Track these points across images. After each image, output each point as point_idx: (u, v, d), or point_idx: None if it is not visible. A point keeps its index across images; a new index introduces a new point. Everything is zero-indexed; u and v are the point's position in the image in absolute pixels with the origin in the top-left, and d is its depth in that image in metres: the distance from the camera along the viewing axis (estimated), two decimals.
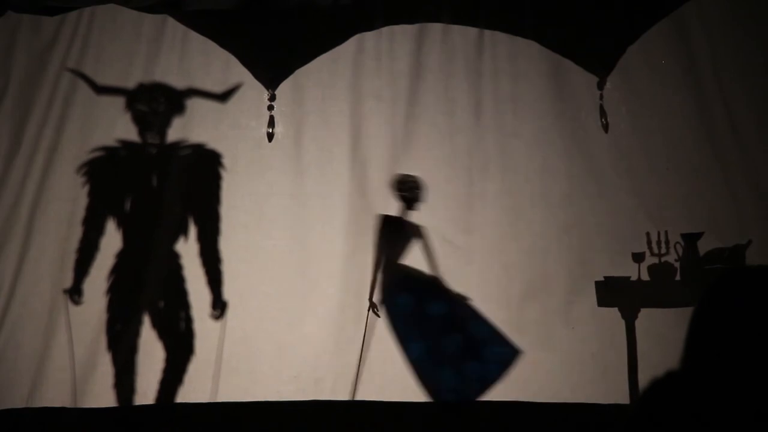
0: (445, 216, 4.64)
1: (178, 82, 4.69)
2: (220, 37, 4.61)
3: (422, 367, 4.15)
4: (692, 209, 4.53)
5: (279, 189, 4.68)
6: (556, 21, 4.54)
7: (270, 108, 4.62)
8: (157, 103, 4.61)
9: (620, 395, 4.38)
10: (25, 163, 4.60)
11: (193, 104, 4.68)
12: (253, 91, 4.65)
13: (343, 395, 4.48)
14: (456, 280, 4.60)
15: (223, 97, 4.66)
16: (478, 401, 4.42)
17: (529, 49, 4.65)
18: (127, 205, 4.60)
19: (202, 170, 4.66)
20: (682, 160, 4.59)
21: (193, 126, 4.69)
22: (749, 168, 4.52)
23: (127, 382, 4.46)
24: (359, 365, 4.47)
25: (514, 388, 4.47)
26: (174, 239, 4.58)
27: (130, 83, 4.67)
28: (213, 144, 4.69)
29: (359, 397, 4.47)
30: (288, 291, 4.58)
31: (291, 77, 4.65)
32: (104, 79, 4.67)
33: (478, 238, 4.62)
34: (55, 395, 4.48)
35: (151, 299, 4.54)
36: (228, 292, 4.61)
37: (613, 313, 4.49)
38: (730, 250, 4.27)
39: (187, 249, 4.61)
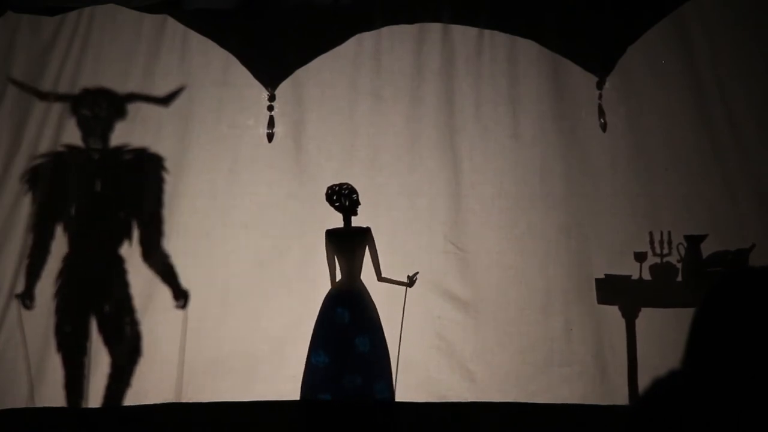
0: (445, 217, 4.64)
1: (178, 82, 4.68)
2: (220, 37, 4.61)
3: (315, 372, 4.19)
4: (692, 210, 4.52)
5: (279, 189, 4.68)
6: (556, 21, 4.54)
7: (270, 108, 4.62)
8: (99, 108, 4.61)
9: (620, 395, 4.38)
10: (25, 162, 4.60)
11: (193, 105, 4.68)
12: (253, 91, 4.65)
13: None
14: (455, 282, 4.60)
15: (166, 100, 4.64)
16: (478, 402, 4.43)
17: (528, 50, 4.64)
18: (72, 210, 4.61)
19: (146, 173, 4.65)
20: (681, 160, 4.58)
21: (193, 126, 4.68)
22: (749, 168, 4.52)
23: (77, 384, 4.48)
24: None
25: (514, 388, 4.48)
26: (118, 243, 4.59)
27: (130, 83, 4.67)
28: (213, 144, 4.69)
29: None
30: (286, 290, 4.58)
31: (291, 77, 4.65)
32: (104, 79, 4.67)
33: (477, 239, 4.62)
34: (55, 395, 4.48)
35: (97, 303, 4.57)
36: (227, 292, 4.62)
37: (613, 313, 4.49)
38: (733, 253, 4.26)
39: (131, 252, 4.61)
